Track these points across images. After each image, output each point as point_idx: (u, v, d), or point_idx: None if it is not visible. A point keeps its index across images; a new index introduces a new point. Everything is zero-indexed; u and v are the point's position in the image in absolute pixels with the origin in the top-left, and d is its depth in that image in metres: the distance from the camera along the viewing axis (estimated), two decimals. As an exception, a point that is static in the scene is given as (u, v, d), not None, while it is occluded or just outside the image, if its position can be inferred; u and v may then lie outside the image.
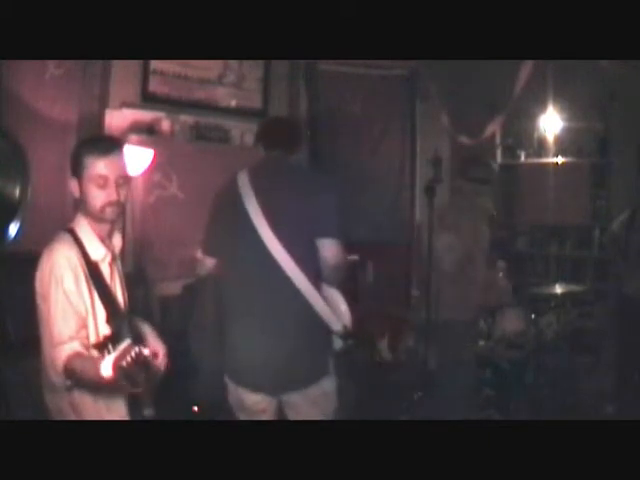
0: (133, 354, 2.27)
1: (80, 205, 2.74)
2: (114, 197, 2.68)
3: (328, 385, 3.36)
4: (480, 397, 5.04)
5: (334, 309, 3.35)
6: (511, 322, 5.42)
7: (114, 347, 2.37)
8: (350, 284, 3.99)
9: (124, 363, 2.25)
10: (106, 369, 2.30)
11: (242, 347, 3.33)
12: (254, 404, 3.33)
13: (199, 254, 5.53)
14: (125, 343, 2.36)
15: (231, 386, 3.40)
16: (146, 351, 2.36)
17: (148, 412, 2.64)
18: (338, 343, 3.40)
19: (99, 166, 2.65)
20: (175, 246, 5.54)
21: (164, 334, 2.98)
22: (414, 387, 5.14)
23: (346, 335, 3.36)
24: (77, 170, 2.68)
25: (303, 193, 3.31)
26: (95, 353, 2.57)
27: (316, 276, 3.31)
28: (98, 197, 2.66)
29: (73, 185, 2.70)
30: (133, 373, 2.28)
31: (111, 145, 2.73)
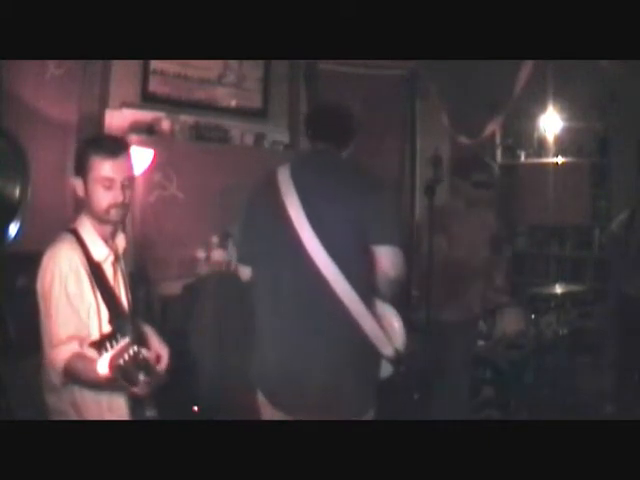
0: (131, 352, 2.27)
1: (83, 205, 2.73)
2: (120, 199, 2.66)
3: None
4: (480, 397, 5.04)
5: (385, 329, 2.91)
6: (511, 322, 5.43)
7: (111, 346, 2.37)
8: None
9: (121, 361, 2.26)
10: (102, 367, 2.31)
11: (274, 363, 2.96)
12: None
13: (201, 254, 5.57)
14: (123, 342, 2.36)
15: (262, 401, 3.02)
16: (144, 351, 2.37)
17: (151, 413, 2.64)
18: (386, 370, 2.98)
19: (106, 168, 2.63)
20: (175, 246, 5.54)
21: (164, 334, 2.98)
22: (413, 387, 5.15)
23: (398, 360, 2.93)
24: (82, 170, 2.66)
25: (354, 193, 2.90)
26: (93, 351, 2.56)
27: (367, 290, 2.90)
28: (104, 198, 2.65)
29: (77, 185, 2.69)
30: (130, 372, 2.28)
31: (118, 146, 2.70)
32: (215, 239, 5.52)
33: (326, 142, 3.10)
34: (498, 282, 6.08)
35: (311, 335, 2.86)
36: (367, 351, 2.89)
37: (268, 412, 2.98)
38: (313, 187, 2.91)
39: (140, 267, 5.25)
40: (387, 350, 2.89)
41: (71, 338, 2.53)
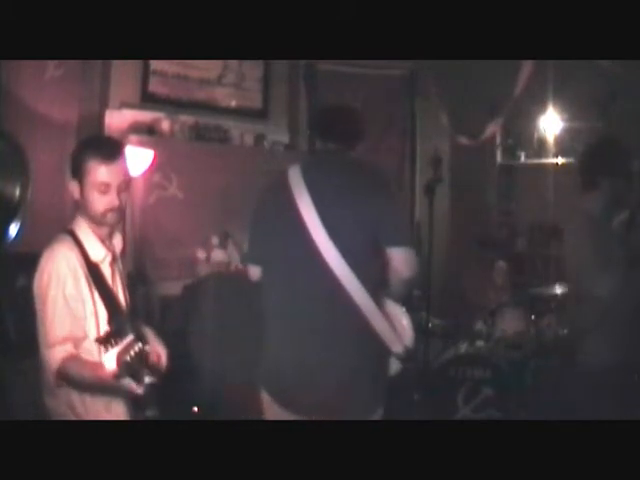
0: (136, 349, 2.29)
1: (79, 207, 2.71)
2: (116, 203, 2.64)
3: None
4: (479, 397, 5.03)
5: (395, 327, 2.93)
6: (511, 323, 5.42)
7: (117, 343, 2.37)
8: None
9: (128, 357, 2.28)
10: (109, 362, 2.31)
11: (284, 362, 2.95)
12: None
13: (201, 254, 5.57)
14: (128, 338, 2.37)
15: (267, 401, 3.00)
16: (147, 347, 2.39)
17: (151, 413, 2.63)
18: (395, 367, 3.01)
19: (101, 172, 2.60)
20: (175, 246, 5.55)
21: (164, 334, 2.97)
22: (414, 387, 5.15)
23: (407, 357, 2.96)
24: (78, 173, 2.63)
25: (367, 194, 2.90)
26: (98, 347, 2.52)
27: (377, 289, 2.92)
28: (99, 203, 2.62)
29: (73, 187, 2.66)
30: (135, 369, 2.30)
31: (114, 150, 2.67)
32: (215, 239, 5.52)
33: (336, 142, 3.09)
34: (497, 282, 6.11)
35: (322, 334, 2.85)
36: (378, 349, 2.89)
37: (273, 412, 2.96)
38: (325, 187, 2.91)
39: (140, 267, 5.26)
40: (397, 348, 2.90)
41: (66, 339, 2.52)
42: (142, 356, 2.32)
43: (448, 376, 5.03)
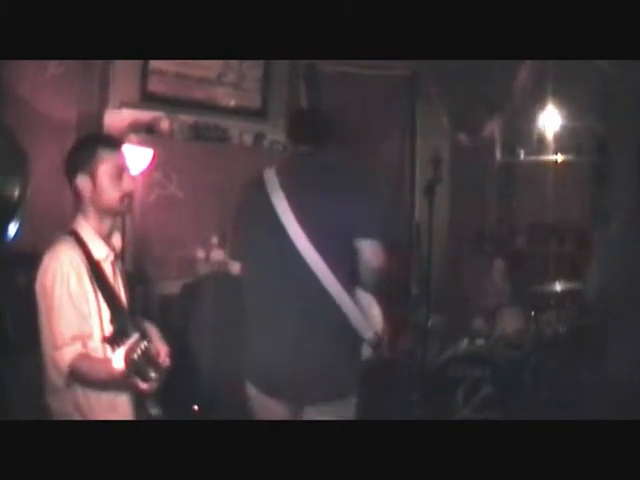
0: (142, 347, 2.33)
1: (84, 204, 2.73)
2: (130, 187, 2.76)
3: (353, 402, 3.17)
4: (478, 396, 5.04)
5: (366, 314, 3.15)
6: (511, 321, 5.42)
7: (122, 342, 2.39)
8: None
9: (135, 356, 2.33)
10: (118, 362, 2.35)
11: (266, 352, 3.15)
12: (275, 413, 3.13)
13: (201, 253, 5.57)
14: (134, 337, 2.40)
15: (252, 391, 3.21)
16: (152, 347, 2.42)
17: (154, 411, 2.65)
18: (367, 352, 3.19)
19: (116, 158, 2.72)
20: (175, 245, 5.55)
21: (164, 334, 2.98)
22: (413, 387, 5.16)
23: (377, 343, 3.15)
24: (88, 165, 2.68)
25: (338, 191, 3.10)
26: (105, 348, 2.57)
27: (349, 279, 3.12)
28: (116, 189, 2.71)
29: (84, 182, 2.70)
30: (142, 367, 2.36)
31: (116, 139, 2.88)
32: (215, 239, 5.52)
33: (307, 144, 3.29)
34: (496, 281, 6.11)
35: (299, 324, 3.06)
36: (350, 336, 3.11)
37: (258, 401, 3.19)
38: (298, 185, 3.13)
39: (139, 266, 5.26)
40: (368, 334, 3.12)
41: (75, 338, 2.53)
42: (147, 354, 2.39)
43: (447, 375, 5.04)
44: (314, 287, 3.02)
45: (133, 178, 2.80)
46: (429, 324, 5.16)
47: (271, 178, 3.17)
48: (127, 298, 2.88)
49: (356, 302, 3.12)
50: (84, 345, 2.55)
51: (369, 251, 3.10)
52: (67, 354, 2.51)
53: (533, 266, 7.31)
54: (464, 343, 5.34)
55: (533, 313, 5.31)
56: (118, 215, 2.86)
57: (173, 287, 5.32)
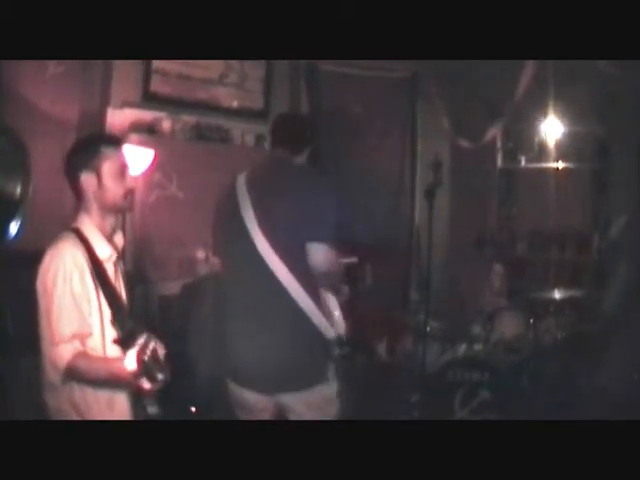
0: (151, 347, 2.35)
1: (87, 202, 2.75)
2: (132, 184, 2.85)
3: (327, 391, 3.32)
4: (476, 400, 5.03)
5: (328, 315, 3.34)
6: (509, 326, 5.42)
7: (133, 343, 2.41)
8: (349, 286, 3.95)
9: (146, 357, 2.37)
10: (131, 363, 2.39)
11: (240, 347, 3.33)
12: (253, 403, 3.34)
13: (201, 254, 5.58)
14: (143, 338, 2.42)
15: (231, 385, 3.41)
16: (159, 348, 2.45)
17: (152, 410, 2.65)
18: (334, 350, 3.34)
19: (119, 155, 2.78)
20: (175, 246, 5.56)
21: (164, 334, 2.99)
22: (412, 390, 5.16)
23: (340, 342, 3.32)
24: (92, 163, 2.72)
25: (298, 196, 3.25)
26: (105, 347, 2.63)
27: (313, 281, 3.28)
28: (120, 186, 2.76)
29: (89, 180, 2.72)
30: (152, 367, 2.40)
31: (118, 138, 2.95)
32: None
33: (281, 148, 3.47)
34: (495, 286, 6.10)
35: (268, 324, 3.23)
36: (315, 332, 3.25)
37: (236, 393, 3.39)
38: (264, 191, 3.27)
39: (139, 266, 5.26)
40: (329, 333, 3.27)
41: (74, 336, 2.53)
42: (155, 355, 2.43)
43: (446, 379, 5.04)
44: (279, 292, 3.19)
45: (134, 177, 2.82)
46: (428, 329, 5.16)
47: (241, 185, 3.33)
48: (128, 298, 2.89)
49: (319, 303, 3.29)
50: (82, 343, 2.56)
51: (317, 255, 3.21)
52: (65, 351, 2.51)
53: (533, 272, 7.31)
54: (462, 348, 5.34)
55: (532, 320, 5.31)
56: (121, 212, 2.93)
57: (173, 287, 5.32)
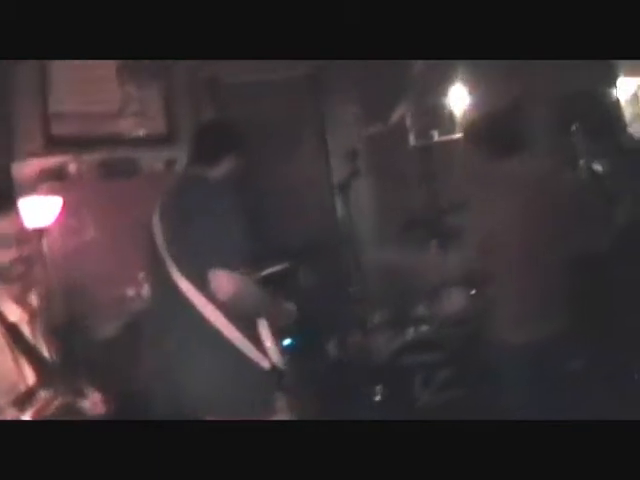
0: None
1: None
2: (18, 254, 2.68)
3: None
4: (437, 380, 5.05)
5: (261, 345, 3.17)
6: (452, 300, 5.44)
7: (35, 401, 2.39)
8: (287, 291, 3.93)
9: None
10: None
11: (186, 382, 3.17)
12: None
13: (131, 291, 5.48)
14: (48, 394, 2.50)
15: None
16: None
17: None
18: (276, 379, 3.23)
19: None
20: (105, 288, 5.43)
21: (110, 378, 2.96)
22: (369, 382, 5.14)
23: (277, 374, 3.18)
24: None
25: (204, 220, 3.06)
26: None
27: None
28: (2, 255, 2.65)
29: None
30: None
31: (3, 203, 2.78)
32: (142, 274, 5.38)
33: (197, 164, 3.37)
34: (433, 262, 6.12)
35: (201, 359, 3.10)
36: (248, 365, 3.12)
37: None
38: (172, 217, 3.20)
39: (73, 316, 5.14)
40: (264, 363, 3.13)
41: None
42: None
43: (401, 365, 5.05)
44: (203, 325, 3.06)
45: (25, 244, 2.73)
46: (374, 320, 5.17)
47: (155, 214, 3.27)
48: (53, 353, 2.85)
49: (250, 333, 3.14)
50: None
51: (213, 282, 3.00)
52: None
53: (465, 242, 7.36)
54: (410, 331, 5.35)
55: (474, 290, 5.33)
56: (18, 278, 2.76)
57: (113, 328, 5.23)
